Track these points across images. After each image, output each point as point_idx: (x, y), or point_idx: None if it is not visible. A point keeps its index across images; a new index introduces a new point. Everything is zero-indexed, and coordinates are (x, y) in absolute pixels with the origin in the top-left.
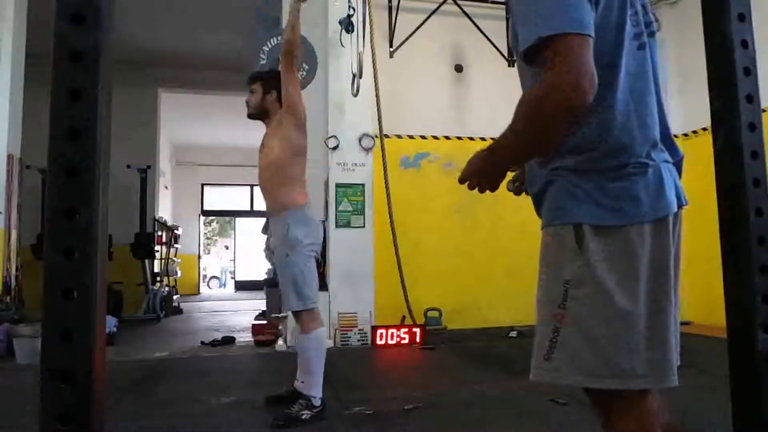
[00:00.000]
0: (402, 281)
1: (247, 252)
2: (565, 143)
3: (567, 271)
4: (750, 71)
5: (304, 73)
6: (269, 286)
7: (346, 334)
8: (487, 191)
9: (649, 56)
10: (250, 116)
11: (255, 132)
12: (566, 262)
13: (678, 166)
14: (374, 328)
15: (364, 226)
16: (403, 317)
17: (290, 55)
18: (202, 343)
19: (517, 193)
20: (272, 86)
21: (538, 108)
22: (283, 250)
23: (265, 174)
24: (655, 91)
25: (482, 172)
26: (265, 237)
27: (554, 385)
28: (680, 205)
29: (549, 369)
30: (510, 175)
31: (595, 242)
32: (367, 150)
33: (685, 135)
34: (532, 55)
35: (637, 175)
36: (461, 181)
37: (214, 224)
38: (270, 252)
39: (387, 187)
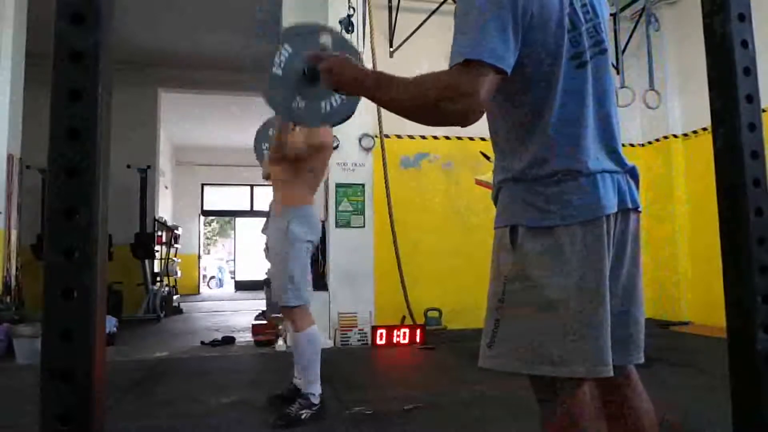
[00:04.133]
0: (402, 281)
1: (247, 252)
2: (510, 153)
3: (504, 268)
4: (750, 71)
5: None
6: (269, 286)
7: (346, 334)
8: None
9: (590, 74)
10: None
11: (254, 132)
12: (504, 260)
13: (631, 174)
14: (374, 328)
15: (364, 226)
16: (403, 317)
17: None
18: (202, 343)
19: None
20: None
21: (425, 97)
22: (282, 245)
23: (276, 170)
24: (601, 106)
25: (339, 81)
26: (265, 237)
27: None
28: (626, 209)
29: (491, 357)
30: (487, 169)
31: (527, 242)
32: (367, 150)
33: (685, 135)
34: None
35: (567, 182)
36: (321, 67)
37: (214, 224)
38: (269, 251)
39: (387, 187)
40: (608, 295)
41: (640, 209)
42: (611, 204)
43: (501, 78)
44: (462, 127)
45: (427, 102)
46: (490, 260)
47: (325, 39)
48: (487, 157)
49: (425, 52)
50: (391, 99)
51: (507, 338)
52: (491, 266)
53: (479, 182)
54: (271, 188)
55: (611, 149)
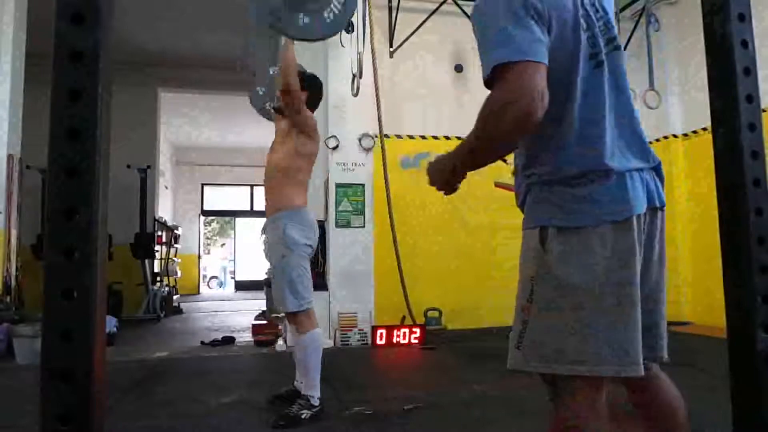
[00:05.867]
0: (402, 281)
1: (247, 252)
2: (536, 157)
3: (532, 268)
4: (750, 71)
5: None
6: (269, 286)
7: (346, 334)
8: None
9: (607, 73)
10: (278, 110)
11: (255, 132)
12: (532, 260)
13: (657, 171)
14: (374, 328)
15: (364, 226)
16: (403, 317)
17: (287, 94)
18: (202, 343)
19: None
20: (304, 85)
21: (490, 122)
22: (279, 250)
23: (269, 175)
24: (620, 102)
25: (436, 170)
26: (264, 238)
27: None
28: (654, 207)
29: (518, 357)
30: (507, 170)
31: (556, 243)
32: (367, 150)
33: (685, 135)
34: (491, 83)
35: (596, 182)
36: (430, 183)
37: (214, 224)
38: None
39: (387, 187)
40: (639, 296)
41: (662, 205)
42: (641, 203)
43: (542, 67)
44: (538, 122)
45: (499, 124)
46: (519, 262)
47: None
48: (505, 161)
49: (425, 52)
50: (477, 149)
51: (535, 339)
52: (520, 268)
53: (499, 185)
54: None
55: (636, 145)
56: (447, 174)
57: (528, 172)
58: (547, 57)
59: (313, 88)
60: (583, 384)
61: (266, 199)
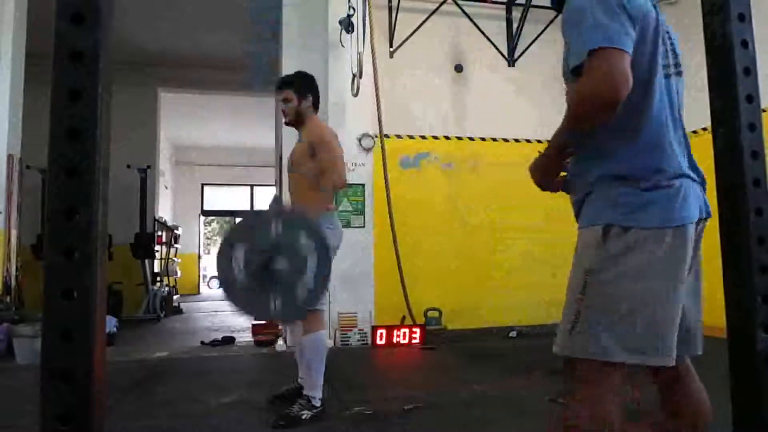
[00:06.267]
0: (402, 281)
1: None
2: (609, 156)
3: (589, 263)
4: (750, 71)
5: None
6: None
7: (346, 334)
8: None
9: (674, 86)
10: (289, 124)
11: (254, 132)
12: (590, 255)
13: (703, 185)
14: (374, 328)
15: (364, 226)
16: (403, 317)
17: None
18: (202, 343)
19: (565, 190)
20: (305, 90)
21: (577, 107)
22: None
23: (297, 182)
24: (680, 119)
25: (536, 166)
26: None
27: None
28: (702, 217)
29: (568, 345)
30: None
31: (617, 240)
32: (367, 150)
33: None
34: (580, 70)
35: (664, 187)
36: (535, 183)
37: (214, 224)
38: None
39: (387, 187)
40: (683, 296)
41: (709, 216)
42: (696, 212)
43: (629, 57)
44: (621, 102)
45: (591, 100)
46: (575, 255)
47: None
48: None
49: (425, 52)
50: (567, 123)
51: (584, 328)
52: (574, 261)
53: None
54: (287, 190)
55: (690, 160)
56: (545, 164)
57: (596, 166)
58: (632, 51)
59: (315, 90)
60: (619, 373)
61: (298, 198)
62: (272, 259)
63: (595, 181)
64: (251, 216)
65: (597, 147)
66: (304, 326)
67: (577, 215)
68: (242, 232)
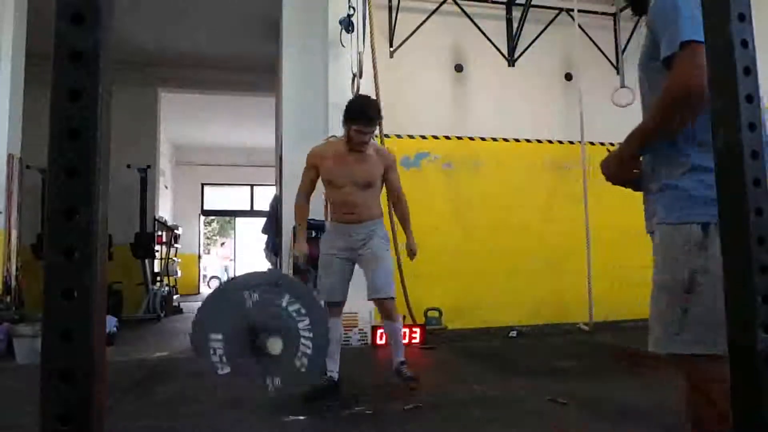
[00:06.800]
0: (402, 281)
1: (248, 252)
2: (695, 145)
3: (693, 261)
4: (750, 71)
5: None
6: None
7: (347, 333)
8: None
9: None
10: (358, 147)
11: (254, 132)
12: (692, 254)
13: None
14: (374, 328)
15: None
16: (403, 317)
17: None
18: None
19: (635, 188)
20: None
21: (670, 94)
22: (386, 245)
23: (367, 191)
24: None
25: (609, 162)
26: (266, 237)
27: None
28: None
29: (678, 342)
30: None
31: (716, 238)
32: None
33: None
34: (670, 61)
35: None
36: (606, 178)
37: (214, 224)
38: (271, 253)
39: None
40: None
41: None
42: None
43: None
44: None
45: (672, 97)
46: (661, 252)
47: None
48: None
49: (425, 52)
50: (657, 126)
51: (695, 325)
52: (667, 260)
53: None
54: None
55: None
56: (619, 162)
57: (681, 156)
58: None
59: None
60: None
61: (362, 209)
62: (259, 342)
63: (689, 169)
64: (215, 297)
65: (686, 138)
66: (392, 312)
67: (651, 208)
68: (213, 315)
